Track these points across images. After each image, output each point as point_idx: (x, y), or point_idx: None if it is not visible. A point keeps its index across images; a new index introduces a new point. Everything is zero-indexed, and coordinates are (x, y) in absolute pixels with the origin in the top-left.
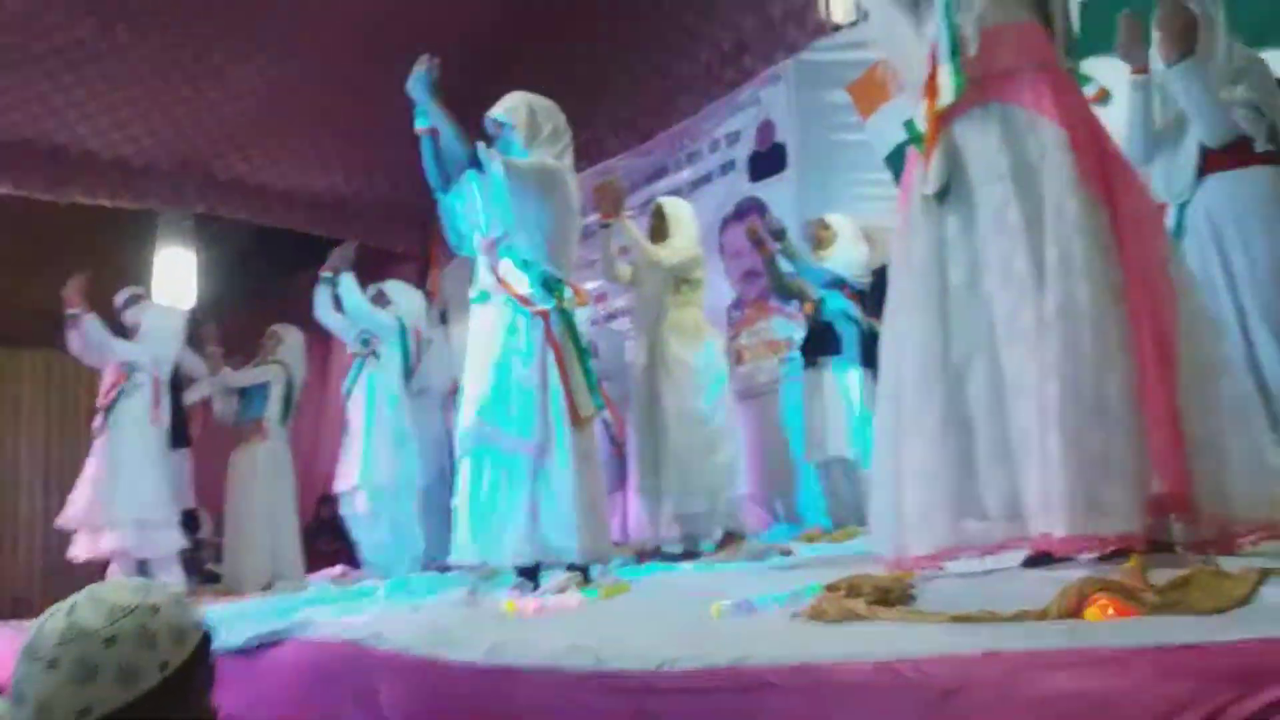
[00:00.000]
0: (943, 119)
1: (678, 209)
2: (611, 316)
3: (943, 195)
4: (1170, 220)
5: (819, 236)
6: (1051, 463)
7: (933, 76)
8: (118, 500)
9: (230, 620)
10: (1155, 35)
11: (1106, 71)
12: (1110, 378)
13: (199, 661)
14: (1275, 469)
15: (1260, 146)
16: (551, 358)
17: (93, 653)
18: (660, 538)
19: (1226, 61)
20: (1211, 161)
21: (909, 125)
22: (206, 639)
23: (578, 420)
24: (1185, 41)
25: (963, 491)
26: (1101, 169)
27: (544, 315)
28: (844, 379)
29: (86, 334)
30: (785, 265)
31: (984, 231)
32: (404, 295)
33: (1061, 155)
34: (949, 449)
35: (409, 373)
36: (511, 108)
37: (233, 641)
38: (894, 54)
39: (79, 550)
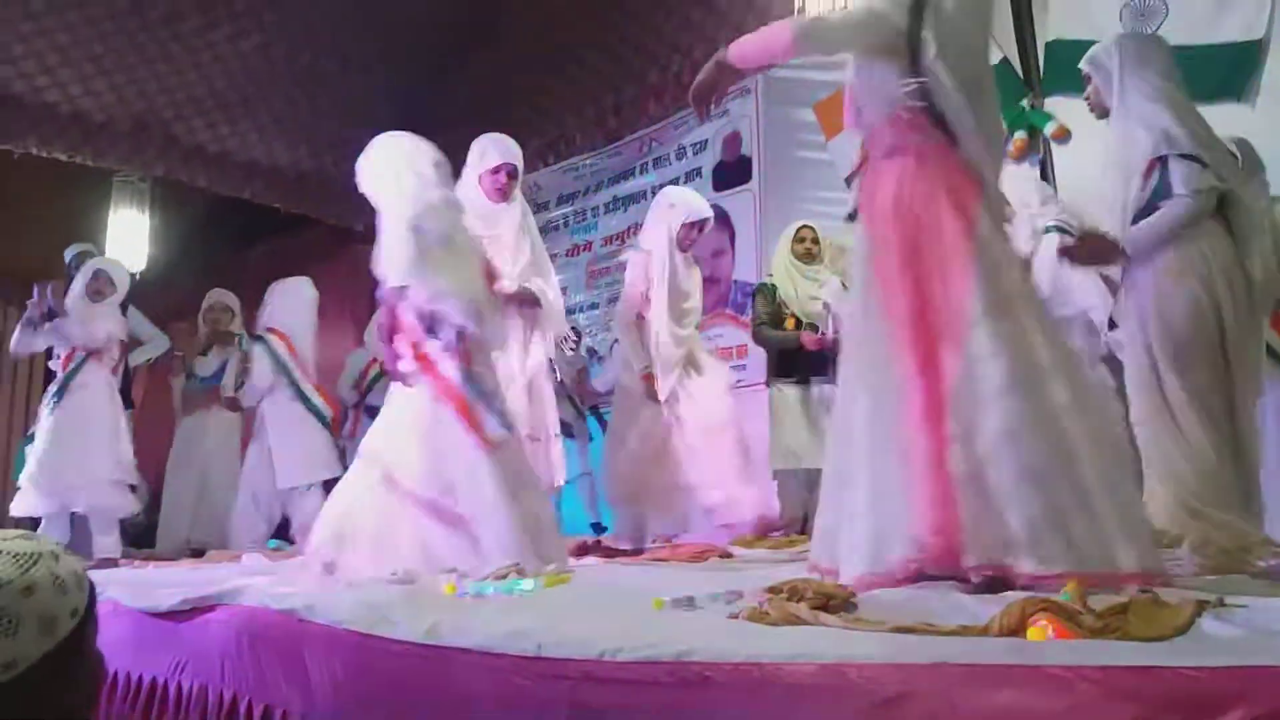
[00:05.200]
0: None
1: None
2: None
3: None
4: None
5: (810, 250)
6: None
7: None
8: (76, 460)
9: (161, 584)
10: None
11: (1070, 111)
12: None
13: (93, 605)
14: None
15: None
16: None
17: (12, 604)
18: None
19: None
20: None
21: None
22: (92, 583)
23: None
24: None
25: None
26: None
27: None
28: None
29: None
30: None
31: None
32: None
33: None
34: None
35: None
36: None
37: (161, 604)
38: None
39: (22, 507)
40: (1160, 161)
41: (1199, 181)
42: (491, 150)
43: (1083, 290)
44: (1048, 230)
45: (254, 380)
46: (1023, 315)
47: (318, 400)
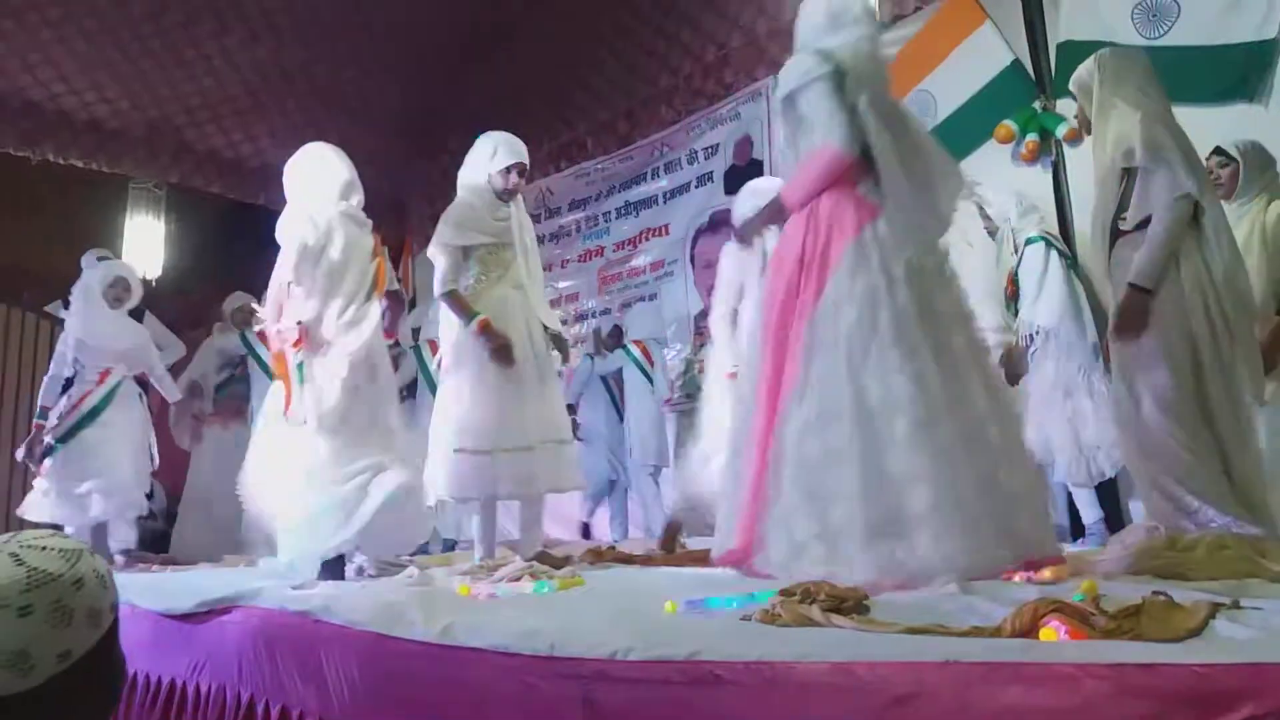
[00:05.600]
0: None
1: None
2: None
3: None
4: None
5: None
6: None
7: None
8: (124, 472)
9: (178, 587)
10: None
11: None
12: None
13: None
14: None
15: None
16: None
17: (65, 596)
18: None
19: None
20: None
21: None
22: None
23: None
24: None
25: None
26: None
27: None
28: None
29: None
30: None
31: None
32: None
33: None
34: None
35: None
36: None
37: (179, 606)
38: None
39: (38, 513)
40: (1127, 174)
41: (1173, 190)
42: (503, 150)
43: (1048, 309)
44: (1030, 241)
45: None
46: (847, 354)
47: None
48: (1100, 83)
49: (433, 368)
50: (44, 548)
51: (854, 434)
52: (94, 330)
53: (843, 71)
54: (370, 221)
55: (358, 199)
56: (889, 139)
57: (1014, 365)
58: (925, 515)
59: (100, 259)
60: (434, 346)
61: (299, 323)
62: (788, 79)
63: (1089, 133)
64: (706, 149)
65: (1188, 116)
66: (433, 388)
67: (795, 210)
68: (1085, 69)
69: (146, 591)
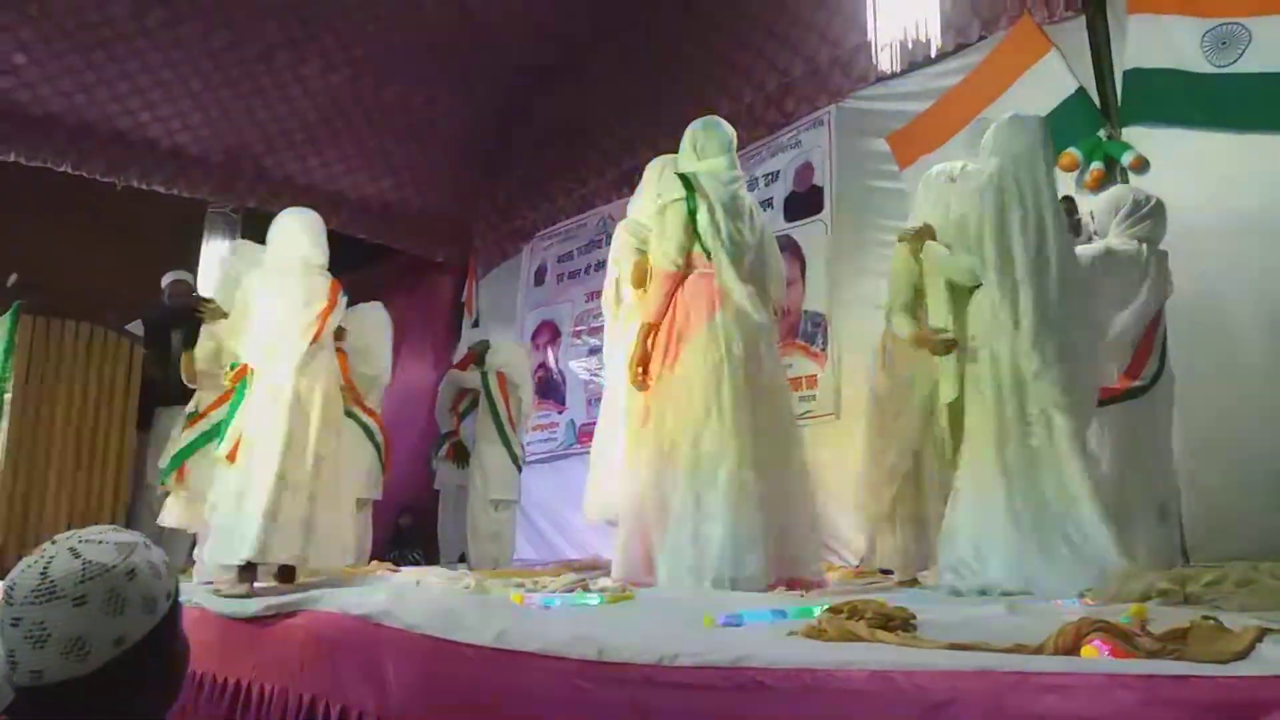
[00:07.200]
0: None
1: None
2: None
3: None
4: None
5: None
6: None
7: None
8: None
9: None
10: None
11: (1148, 141)
12: None
13: (178, 591)
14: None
15: None
16: None
17: (119, 585)
18: None
19: None
20: None
21: None
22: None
23: None
24: None
25: None
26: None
27: None
28: None
29: None
30: None
31: None
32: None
33: None
34: None
35: None
36: None
37: (246, 610)
38: None
39: (168, 519)
40: None
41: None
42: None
43: None
44: None
45: None
46: (690, 412)
47: (366, 419)
48: (987, 149)
49: (499, 399)
50: (101, 541)
51: (688, 474)
52: None
53: (694, 197)
54: (325, 276)
55: (304, 255)
56: (721, 244)
57: None
58: (722, 540)
59: (177, 280)
60: (501, 379)
61: (233, 365)
62: (663, 193)
63: None
64: (767, 175)
65: (1262, 144)
66: (494, 413)
67: (658, 321)
68: (987, 133)
69: (214, 597)
